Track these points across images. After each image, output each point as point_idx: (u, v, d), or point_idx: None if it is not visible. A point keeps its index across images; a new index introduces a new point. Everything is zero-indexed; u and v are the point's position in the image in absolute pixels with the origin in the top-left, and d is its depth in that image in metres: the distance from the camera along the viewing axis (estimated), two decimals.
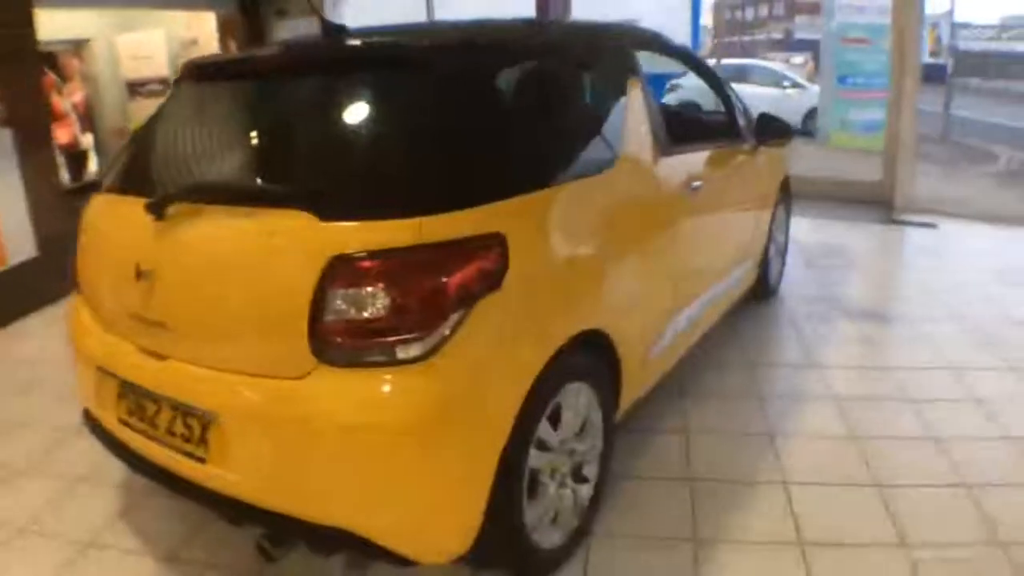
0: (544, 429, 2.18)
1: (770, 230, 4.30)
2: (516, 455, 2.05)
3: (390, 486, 1.88)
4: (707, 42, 26.70)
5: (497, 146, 2.13)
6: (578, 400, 2.33)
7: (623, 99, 2.75)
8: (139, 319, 2.15)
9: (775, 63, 17.30)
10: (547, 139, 2.37)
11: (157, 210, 2.07)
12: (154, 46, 11.24)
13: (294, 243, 1.86)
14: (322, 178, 1.97)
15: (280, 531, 2.02)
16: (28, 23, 6.44)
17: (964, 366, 3.67)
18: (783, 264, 4.81)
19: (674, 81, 12.52)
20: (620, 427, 2.75)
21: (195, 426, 2.02)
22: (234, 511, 2.05)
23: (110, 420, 2.30)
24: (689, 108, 5.22)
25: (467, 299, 1.87)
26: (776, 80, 14.57)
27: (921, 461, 2.88)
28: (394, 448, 1.84)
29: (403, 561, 1.94)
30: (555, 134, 2.43)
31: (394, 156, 1.95)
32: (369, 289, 1.78)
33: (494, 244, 1.94)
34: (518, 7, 7.62)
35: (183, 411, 2.04)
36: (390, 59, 2.18)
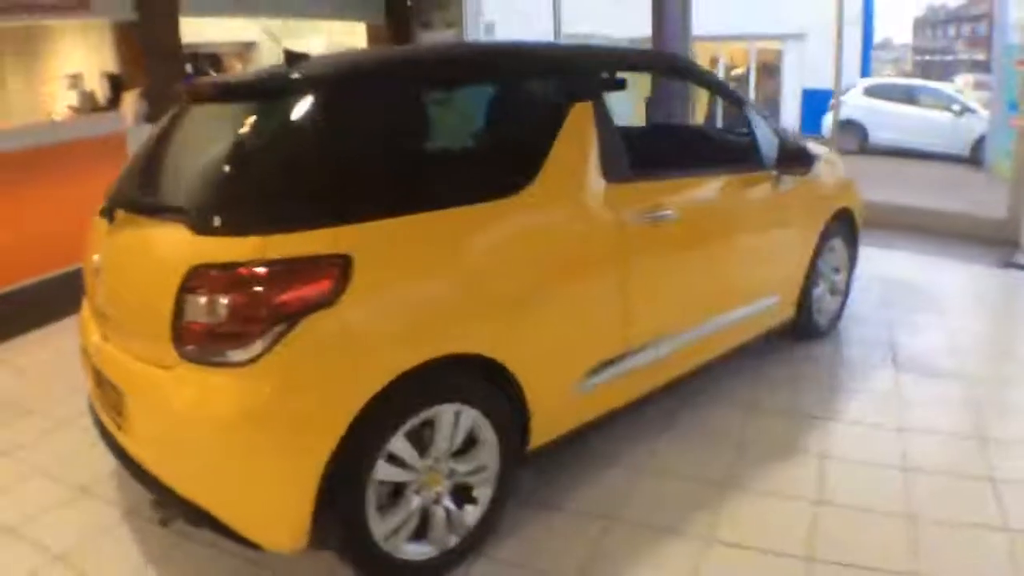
0: (398, 445, 2.22)
1: (813, 266, 3.93)
2: (353, 465, 2.13)
3: (224, 473, 2.09)
4: (906, 59, 24.77)
5: (349, 172, 2.21)
6: (458, 421, 2.35)
7: (551, 124, 2.66)
8: (97, 309, 2.53)
9: (946, 84, 15.74)
10: (412, 167, 2.42)
11: (108, 216, 2.45)
12: (316, 49, 12.02)
13: (171, 252, 2.12)
14: (202, 196, 2.16)
15: (164, 498, 2.25)
16: (174, 25, 7.11)
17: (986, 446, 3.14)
18: (842, 304, 4.38)
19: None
20: (550, 455, 2.76)
21: (117, 401, 2.33)
22: (139, 476, 2.33)
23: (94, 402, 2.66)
24: (690, 133, 4.73)
25: (293, 313, 1.99)
26: (946, 103, 13.30)
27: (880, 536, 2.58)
28: (223, 440, 2.05)
29: (252, 545, 2.12)
30: (425, 162, 2.52)
31: (252, 178, 2.13)
32: (209, 297, 2.00)
33: (331, 264, 2.04)
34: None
35: (114, 388, 2.35)
36: (260, 90, 2.36)
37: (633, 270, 2.80)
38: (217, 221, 2.05)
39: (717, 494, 2.82)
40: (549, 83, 2.80)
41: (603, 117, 2.75)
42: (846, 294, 4.40)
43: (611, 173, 2.73)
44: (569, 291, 2.63)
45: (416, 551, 2.35)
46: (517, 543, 2.59)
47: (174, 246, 2.10)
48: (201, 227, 2.06)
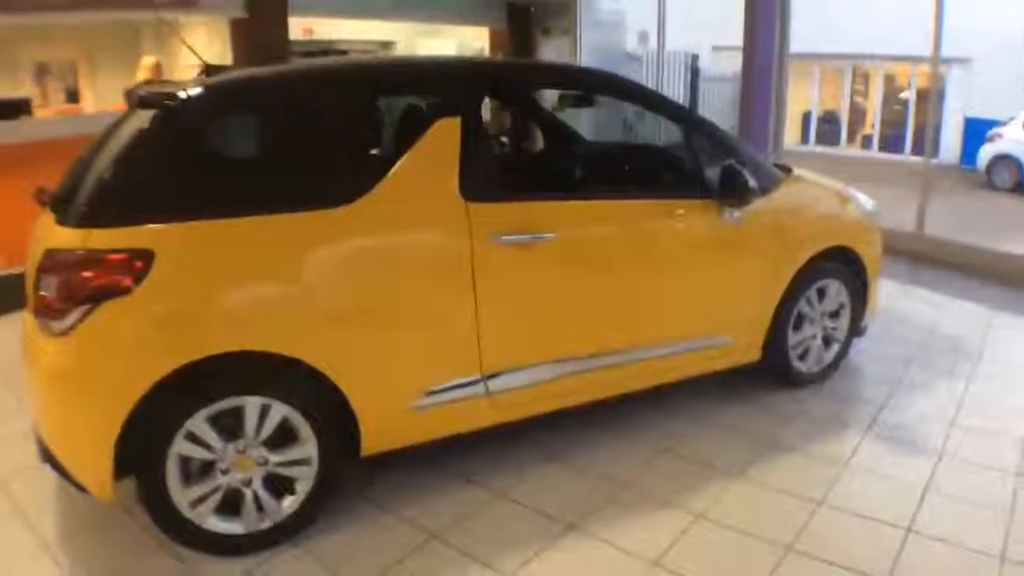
0: (199, 426, 2.39)
1: (788, 308, 3.62)
2: (150, 436, 2.35)
3: (52, 421, 2.44)
4: None
5: (171, 178, 2.42)
6: (266, 415, 2.47)
7: (406, 138, 2.68)
8: None
9: None
10: (233, 176, 2.56)
11: (41, 204, 2.77)
12: (446, 51, 12.48)
13: (44, 238, 2.45)
14: (67, 192, 2.52)
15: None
16: (282, 23, 7.63)
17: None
18: (839, 354, 3.99)
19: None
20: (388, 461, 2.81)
21: None
22: None
23: None
24: (613, 154, 4.31)
25: (95, 295, 2.25)
26: None
27: None
28: (47, 392, 2.40)
29: (79, 487, 2.42)
30: (250, 171, 2.64)
31: (97, 178, 2.39)
32: (46, 276, 2.32)
33: (133, 257, 2.26)
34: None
35: None
36: (141, 102, 2.56)
37: (491, 292, 2.74)
38: (65, 213, 2.36)
39: (549, 528, 2.74)
40: (412, 98, 2.82)
41: (473, 135, 2.71)
42: (847, 343, 4.01)
43: (472, 191, 2.69)
44: (404, 307, 2.63)
45: (222, 526, 2.50)
46: (337, 541, 2.64)
47: (45, 232, 2.46)
48: (58, 218, 2.39)
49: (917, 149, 15.30)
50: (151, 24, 9.20)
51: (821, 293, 3.76)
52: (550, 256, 2.85)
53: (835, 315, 3.88)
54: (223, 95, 2.61)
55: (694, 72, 14.07)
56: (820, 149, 16.66)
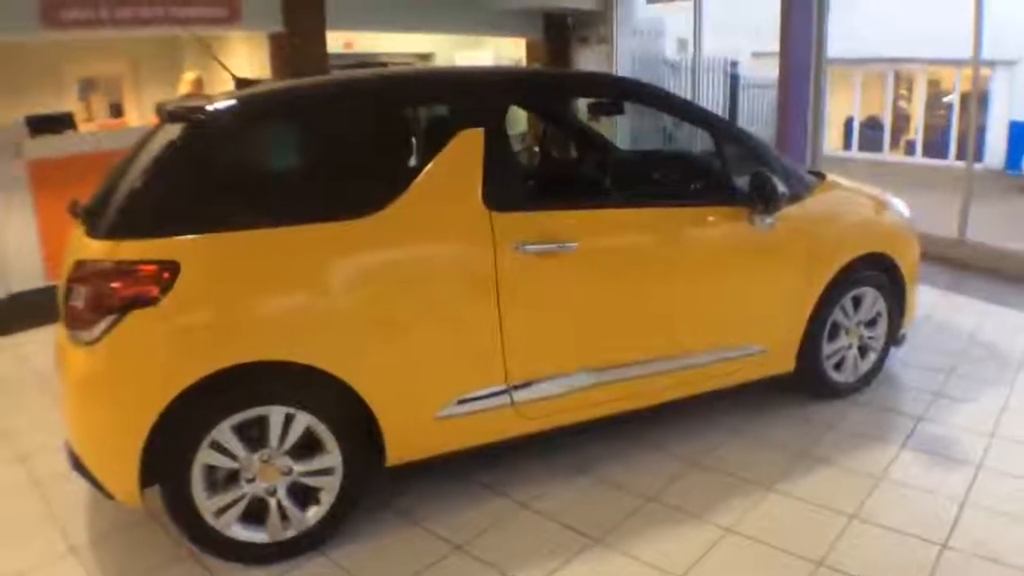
0: (224, 435, 2.41)
1: (822, 317, 3.53)
2: (177, 444, 2.37)
3: (81, 428, 2.46)
4: None
5: (197, 190, 2.44)
6: (290, 424, 2.48)
7: (429, 149, 2.68)
8: None
9: None
10: (258, 188, 2.60)
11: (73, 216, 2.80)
12: (483, 62, 12.52)
13: (75, 249, 2.49)
14: (98, 204, 2.54)
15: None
16: (320, 37, 7.73)
17: None
18: (876, 364, 3.87)
19: None
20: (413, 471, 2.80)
21: None
22: None
23: None
24: (638, 162, 4.19)
25: (122, 305, 2.28)
26: None
27: None
28: (76, 400, 2.43)
29: (108, 494, 2.44)
30: (274, 184, 2.66)
31: (126, 191, 2.43)
32: (76, 286, 2.35)
33: (160, 268, 2.29)
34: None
35: None
36: (170, 116, 2.62)
37: (514, 302, 2.71)
38: (95, 225, 2.40)
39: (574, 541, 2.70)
40: (435, 109, 2.82)
41: (496, 144, 2.71)
42: (884, 352, 3.89)
43: (496, 201, 2.68)
44: (427, 317, 2.62)
45: (246, 534, 2.52)
46: (362, 551, 2.64)
47: (78, 246, 2.48)
48: (88, 230, 2.43)
49: (961, 154, 14.87)
50: (192, 40, 9.39)
51: (857, 302, 3.66)
52: (575, 265, 2.82)
53: (872, 324, 3.77)
54: (249, 109, 2.64)
55: (733, 79, 13.90)
56: (863, 155, 16.30)
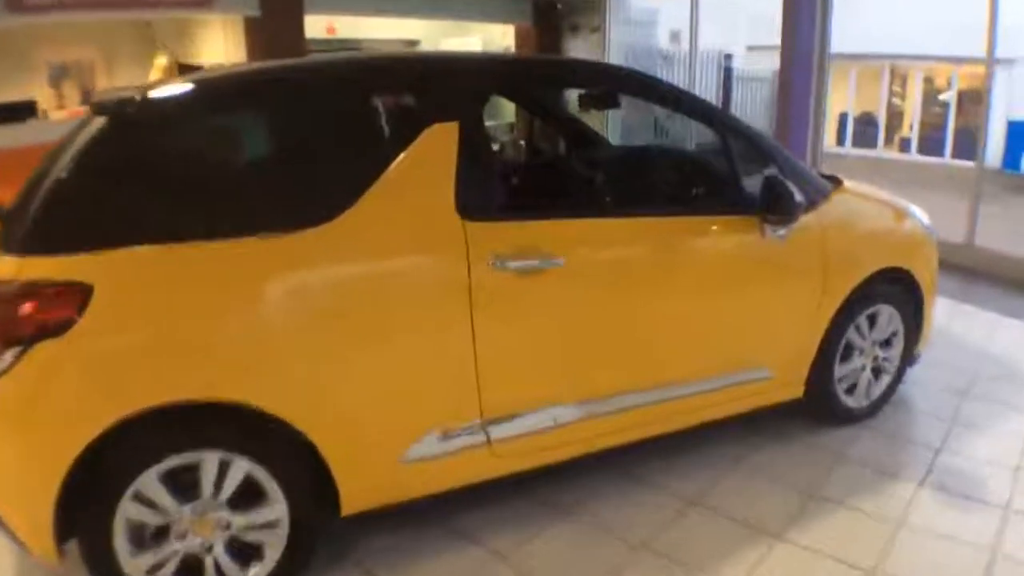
0: (149, 485, 2.04)
1: (836, 337, 3.18)
2: (94, 495, 2.01)
3: None
4: None
5: (111, 196, 2.04)
6: (225, 472, 2.12)
7: (390, 148, 2.27)
8: None
9: None
10: (186, 193, 2.14)
11: None
12: (472, 48, 12.12)
13: None
14: (17, 212, 2.10)
15: None
16: (298, 21, 7.32)
17: None
18: (891, 386, 3.53)
19: None
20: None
21: None
22: None
23: None
24: (635, 163, 3.71)
25: (29, 335, 1.90)
26: None
27: None
28: None
29: (28, 549, 2.06)
30: (203, 189, 2.17)
31: (41, 198, 2.02)
32: None
33: (67, 291, 1.91)
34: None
35: None
36: (94, 109, 2.20)
37: (492, 326, 2.34)
38: (8, 238, 2.02)
39: None
40: (399, 100, 2.41)
41: (473, 142, 2.32)
42: (899, 374, 3.54)
43: (470, 209, 2.30)
44: (388, 345, 2.24)
45: None
46: None
47: None
48: (1, 243, 2.03)
49: (958, 152, 14.66)
50: (167, 24, 8.95)
51: (872, 319, 3.31)
52: (561, 284, 2.44)
53: (887, 344, 3.42)
54: (182, 99, 2.24)
55: (727, 72, 13.55)
56: (857, 151, 15.99)
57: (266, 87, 2.35)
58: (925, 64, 15.78)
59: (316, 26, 8.96)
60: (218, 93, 2.32)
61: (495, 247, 2.31)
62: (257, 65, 2.61)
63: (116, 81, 10.17)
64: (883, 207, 3.48)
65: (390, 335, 2.23)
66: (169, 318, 2.01)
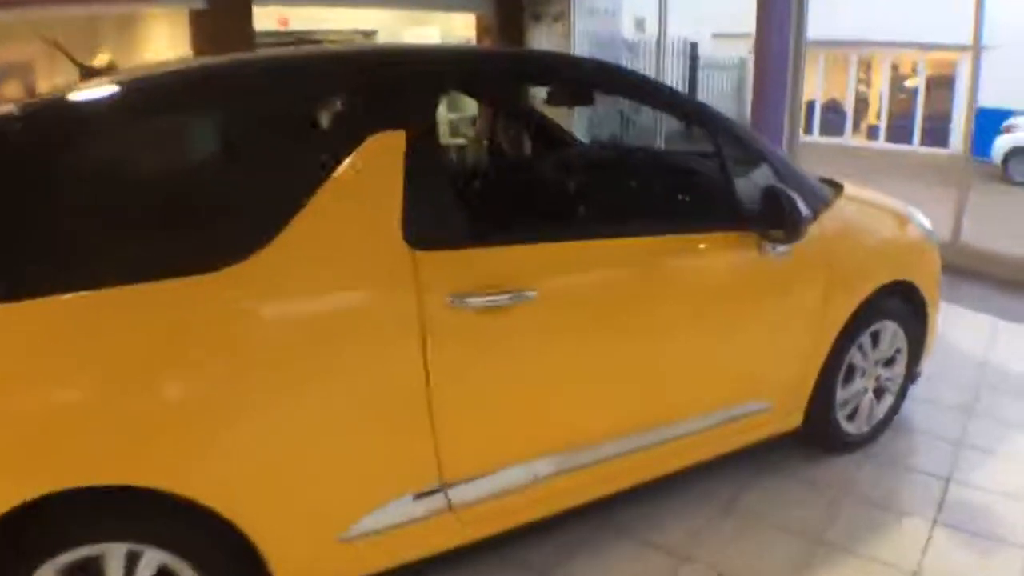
0: None
1: (839, 359, 2.85)
2: None
3: None
4: None
5: None
6: (135, 565, 1.71)
7: (319, 166, 1.84)
8: None
9: None
10: (59, 233, 1.67)
11: None
12: (430, 40, 11.68)
13: None
14: None
15: None
16: (246, 13, 6.81)
17: None
18: (894, 407, 3.21)
19: None
20: None
21: None
22: None
23: None
24: (613, 170, 3.20)
25: None
26: None
27: None
28: None
29: None
30: (83, 227, 1.71)
31: None
32: None
33: None
34: None
35: None
36: None
37: (450, 374, 1.95)
38: None
39: None
40: (330, 106, 1.98)
41: (423, 153, 1.91)
42: (902, 394, 3.22)
43: (421, 235, 1.90)
44: (322, 404, 1.83)
45: None
46: None
47: None
48: None
49: (927, 139, 14.55)
50: (110, 21, 8.36)
51: (875, 337, 2.98)
52: (534, 320, 2.05)
53: (889, 362, 3.10)
54: (54, 115, 1.80)
55: (692, 60, 13.27)
56: (824, 140, 15.80)
57: (161, 95, 1.90)
58: (893, 51, 15.62)
59: (267, 19, 8.42)
60: (107, 103, 1.87)
61: (452, 281, 1.91)
62: (159, 68, 2.14)
63: (59, 81, 9.57)
64: (886, 214, 3.15)
65: (325, 396, 1.82)
66: (48, 386, 1.58)
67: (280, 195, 1.79)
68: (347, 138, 1.85)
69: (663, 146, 7.84)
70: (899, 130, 15.57)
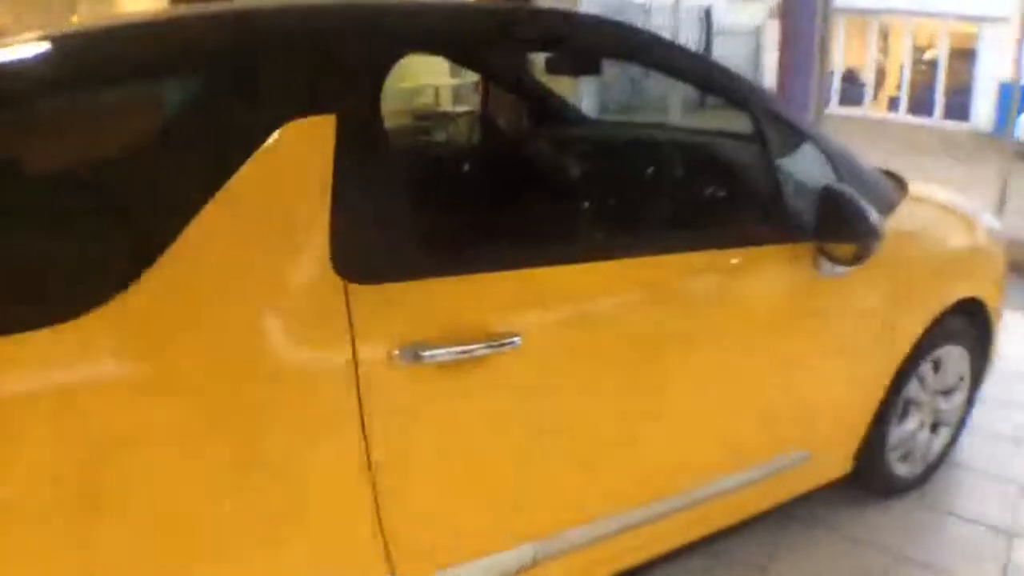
0: None
1: (896, 394, 2.31)
2: None
3: None
4: None
5: None
6: None
7: (205, 173, 1.23)
8: None
9: None
10: None
11: None
12: None
13: None
14: None
15: None
16: None
17: None
18: (950, 441, 2.69)
19: None
20: None
21: None
22: None
23: None
24: (611, 160, 2.61)
25: None
26: None
27: None
28: None
29: None
30: None
31: None
32: None
33: None
34: None
35: None
36: None
37: (404, 452, 1.41)
38: None
39: None
40: (223, 82, 1.35)
41: (361, 145, 1.32)
42: (959, 429, 2.70)
43: (359, 262, 1.31)
44: (217, 502, 1.27)
45: None
46: None
47: None
48: None
49: (949, 113, 13.81)
50: None
51: (936, 364, 2.45)
52: (520, 373, 1.48)
53: (949, 391, 2.57)
54: None
55: (708, 26, 12.52)
56: (843, 111, 15.02)
57: None
58: (913, 20, 14.78)
59: None
60: None
61: (402, 326, 1.34)
62: None
63: None
64: (955, 218, 2.58)
65: (216, 486, 1.26)
66: None
67: (144, 217, 1.21)
68: (255, 125, 1.26)
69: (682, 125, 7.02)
70: (920, 102, 14.81)
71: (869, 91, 15.73)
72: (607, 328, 1.61)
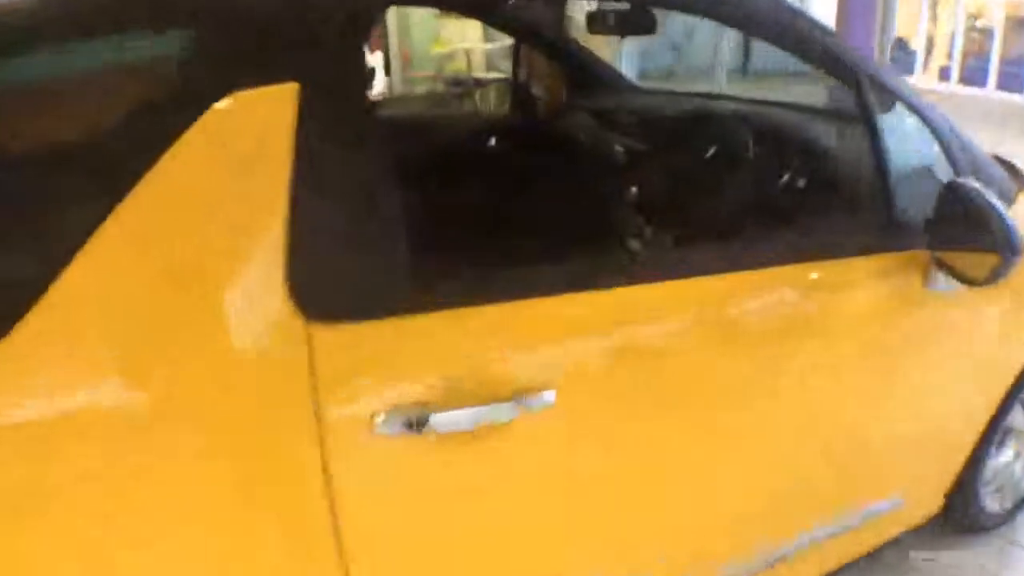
0: None
1: (994, 427, 1.94)
2: None
3: None
4: None
5: None
6: None
7: (101, 180, 0.84)
8: None
9: None
10: None
11: None
12: None
13: None
14: None
15: None
16: None
17: None
18: None
19: None
20: None
21: None
22: None
23: None
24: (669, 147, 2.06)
25: None
26: None
27: None
28: None
29: None
30: None
31: None
32: None
33: None
34: None
35: None
36: None
37: (384, 549, 1.04)
38: None
39: None
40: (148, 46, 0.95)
41: (331, 124, 0.93)
42: None
43: (329, 292, 0.93)
44: None
45: None
46: None
47: None
48: None
49: (1003, 83, 12.98)
50: None
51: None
52: (552, 440, 1.11)
53: None
54: None
55: None
56: None
57: None
58: None
59: None
60: None
61: (386, 381, 0.94)
62: None
63: None
64: None
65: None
66: None
67: (34, 227, 0.83)
68: (175, 104, 0.87)
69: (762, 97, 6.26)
70: (973, 72, 13.96)
71: (920, 60, 14.88)
72: (668, 371, 1.20)
